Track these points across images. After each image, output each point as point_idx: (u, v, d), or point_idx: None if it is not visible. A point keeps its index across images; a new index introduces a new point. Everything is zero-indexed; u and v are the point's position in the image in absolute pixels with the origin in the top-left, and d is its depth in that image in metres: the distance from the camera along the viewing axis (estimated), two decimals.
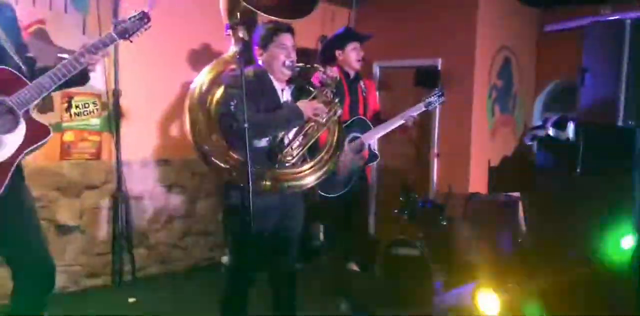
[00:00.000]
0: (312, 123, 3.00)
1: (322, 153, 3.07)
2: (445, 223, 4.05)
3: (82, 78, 2.46)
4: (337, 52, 4.12)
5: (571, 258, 3.81)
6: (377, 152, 4.32)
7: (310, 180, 3.00)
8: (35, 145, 2.35)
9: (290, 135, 3.00)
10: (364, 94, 4.27)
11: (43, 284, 2.46)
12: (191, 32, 4.78)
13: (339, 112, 3.13)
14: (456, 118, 5.53)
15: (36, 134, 2.34)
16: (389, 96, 5.78)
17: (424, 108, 4.16)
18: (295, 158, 2.99)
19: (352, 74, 4.23)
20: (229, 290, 3.04)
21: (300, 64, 2.99)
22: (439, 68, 5.57)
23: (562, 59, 5.65)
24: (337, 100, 3.12)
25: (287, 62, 2.94)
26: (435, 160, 5.65)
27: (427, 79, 5.44)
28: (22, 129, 2.30)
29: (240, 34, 2.88)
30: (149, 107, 4.62)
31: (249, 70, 2.94)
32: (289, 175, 2.93)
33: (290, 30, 3.02)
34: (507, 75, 5.96)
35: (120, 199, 4.44)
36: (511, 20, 5.89)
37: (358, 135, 4.11)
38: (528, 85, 6.26)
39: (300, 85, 3.11)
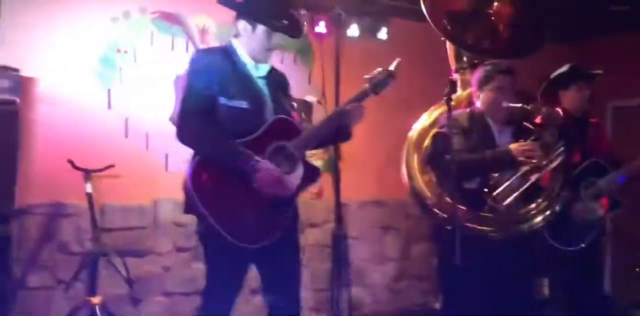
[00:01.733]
0: (527, 166, 2.84)
1: (540, 199, 2.88)
2: None
3: (342, 133, 2.58)
4: (561, 92, 3.85)
5: None
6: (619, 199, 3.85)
7: (524, 226, 2.84)
8: (310, 185, 2.56)
9: (505, 177, 2.86)
10: (594, 137, 3.89)
11: None
12: (408, 78, 4.89)
13: (563, 155, 2.92)
14: None
15: (310, 175, 2.56)
16: (626, 138, 5.23)
17: None
18: (508, 202, 2.84)
19: (579, 115, 3.91)
20: None
21: (518, 105, 2.89)
22: None
23: None
24: (560, 143, 2.93)
25: (503, 104, 2.87)
26: None
27: None
28: (299, 171, 2.51)
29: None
30: (367, 151, 4.78)
31: (465, 112, 2.98)
32: (499, 219, 2.80)
33: (508, 71, 2.96)
34: None
35: (339, 238, 4.62)
36: None
37: (593, 179, 3.70)
38: None
39: (519, 126, 2.99)
